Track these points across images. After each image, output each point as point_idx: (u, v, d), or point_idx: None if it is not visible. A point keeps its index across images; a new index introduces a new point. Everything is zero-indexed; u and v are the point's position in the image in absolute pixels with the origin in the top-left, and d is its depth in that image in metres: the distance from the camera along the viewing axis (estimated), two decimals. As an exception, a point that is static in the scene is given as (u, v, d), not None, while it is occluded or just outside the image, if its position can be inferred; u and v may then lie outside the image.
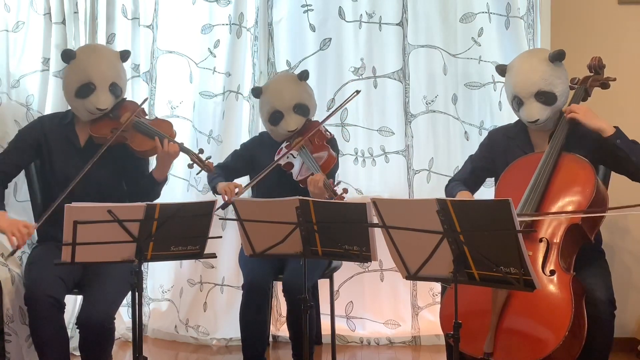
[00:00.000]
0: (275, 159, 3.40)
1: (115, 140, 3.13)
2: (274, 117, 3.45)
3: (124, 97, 3.32)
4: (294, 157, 3.38)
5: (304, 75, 3.55)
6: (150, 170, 3.31)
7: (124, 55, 3.34)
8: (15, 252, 2.98)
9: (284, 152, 3.40)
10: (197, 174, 3.27)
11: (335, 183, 3.21)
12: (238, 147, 3.71)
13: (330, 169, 3.35)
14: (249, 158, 3.59)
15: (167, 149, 3.15)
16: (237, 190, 3.30)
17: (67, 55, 3.25)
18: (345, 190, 3.16)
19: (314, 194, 3.20)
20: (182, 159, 3.89)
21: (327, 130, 3.55)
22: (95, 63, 3.21)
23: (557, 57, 3.03)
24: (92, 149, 3.17)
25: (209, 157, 3.22)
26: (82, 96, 3.17)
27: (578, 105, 2.99)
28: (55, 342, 2.97)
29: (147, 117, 3.35)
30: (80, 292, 3.13)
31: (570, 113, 2.95)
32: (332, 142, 3.52)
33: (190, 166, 3.23)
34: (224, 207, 3.21)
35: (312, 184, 3.20)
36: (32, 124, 3.38)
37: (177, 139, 3.26)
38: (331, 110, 3.64)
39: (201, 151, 3.23)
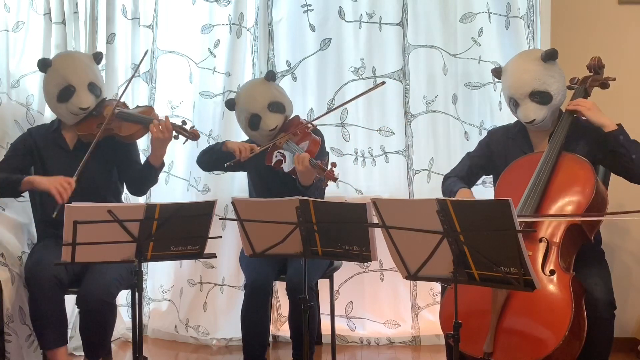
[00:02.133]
0: (268, 163, 3.41)
1: (103, 134, 3.21)
2: (253, 122, 3.46)
3: (104, 97, 3.40)
4: (282, 154, 3.39)
5: (271, 76, 3.56)
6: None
7: (97, 57, 3.45)
8: (62, 208, 2.99)
9: (271, 148, 3.41)
10: (184, 143, 3.33)
11: (324, 162, 3.19)
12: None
13: (315, 152, 3.33)
14: None
15: (161, 127, 3.19)
16: (252, 151, 3.36)
17: (44, 64, 3.35)
18: (333, 164, 3.14)
19: (302, 173, 3.20)
20: (181, 154, 3.92)
21: (309, 123, 3.52)
22: (72, 66, 3.32)
23: (550, 56, 3.03)
24: (81, 149, 3.25)
25: (193, 126, 3.26)
26: (63, 100, 3.28)
27: (584, 100, 2.99)
28: (54, 322, 3.01)
29: (129, 108, 3.42)
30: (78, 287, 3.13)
31: (575, 105, 2.96)
32: (315, 131, 3.50)
33: (175, 137, 3.26)
34: (232, 164, 3.32)
35: (299, 161, 3.19)
36: (21, 137, 3.44)
37: (187, 124, 3.32)
38: (332, 108, 3.74)
39: (184, 122, 3.27)
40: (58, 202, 3.02)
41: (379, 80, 3.94)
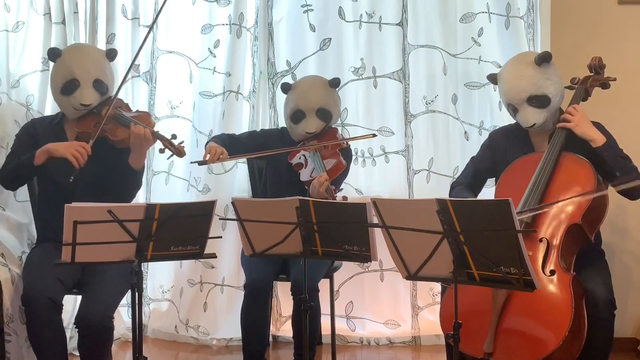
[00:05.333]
0: (290, 160, 3.43)
1: (100, 135, 3.15)
2: (296, 116, 3.48)
3: (111, 95, 3.32)
4: (306, 159, 3.40)
5: (335, 83, 3.57)
6: None
7: (110, 53, 3.37)
8: (78, 173, 3.05)
9: (296, 150, 3.43)
10: (168, 158, 3.28)
11: (338, 190, 3.22)
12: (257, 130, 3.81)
13: (337, 175, 3.35)
14: (262, 145, 3.57)
15: (137, 133, 3.12)
16: (222, 156, 3.33)
17: (53, 54, 3.30)
18: (344, 198, 3.16)
19: (314, 188, 3.20)
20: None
21: (345, 140, 3.55)
22: (79, 60, 3.25)
23: (543, 59, 3.03)
24: None
25: (182, 142, 3.20)
26: (66, 93, 3.22)
27: (573, 112, 2.96)
28: (52, 343, 2.97)
29: (131, 111, 3.35)
30: (79, 292, 3.13)
31: (562, 122, 2.96)
32: (345, 152, 3.51)
33: (161, 151, 3.20)
34: (199, 163, 3.32)
35: (319, 182, 3.20)
36: (25, 126, 3.42)
37: (177, 138, 3.26)
38: (363, 135, 3.74)
39: (174, 136, 3.20)
40: (75, 167, 3.02)
41: (379, 81, 3.96)
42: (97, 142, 3.14)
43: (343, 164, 3.40)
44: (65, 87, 3.22)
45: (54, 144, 3.12)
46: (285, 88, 3.59)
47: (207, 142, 3.50)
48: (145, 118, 3.29)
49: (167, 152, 3.19)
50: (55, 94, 3.28)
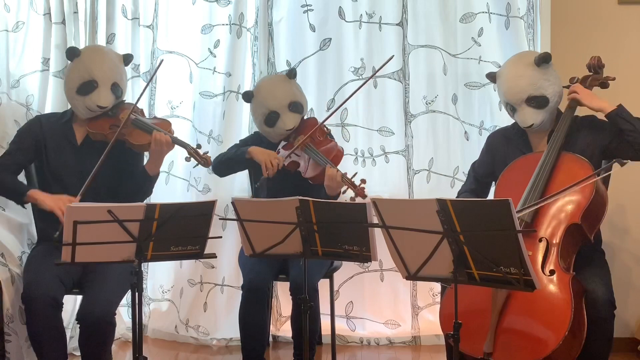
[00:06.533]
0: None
1: (118, 138, 3.16)
2: (270, 119, 3.46)
3: (124, 99, 3.36)
4: (297, 156, 3.38)
5: (293, 73, 3.57)
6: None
7: (127, 58, 3.41)
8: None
9: (287, 152, 3.40)
10: (194, 167, 3.29)
11: (352, 175, 3.22)
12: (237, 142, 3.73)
13: (340, 161, 3.36)
14: None
15: (159, 139, 3.16)
16: (278, 161, 3.32)
17: (72, 53, 3.31)
18: (363, 181, 3.18)
19: (330, 187, 3.21)
20: (181, 155, 3.88)
21: (324, 125, 3.53)
22: (100, 62, 3.27)
23: (543, 59, 3.04)
24: (88, 146, 3.23)
25: (207, 152, 3.23)
26: (83, 93, 3.23)
27: (580, 87, 3.01)
28: (52, 342, 2.98)
29: (146, 117, 3.39)
30: (80, 292, 3.13)
31: (571, 94, 2.99)
32: (331, 135, 3.52)
33: (187, 159, 3.22)
34: (260, 183, 3.34)
35: (330, 178, 3.21)
36: (29, 123, 3.41)
37: (202, 148, 3.29)
38: (342, 102, 3.64)
39: (199, 146, 3.23)
40: (62, 222, 2.92)
41: (379, 81, 3.96)
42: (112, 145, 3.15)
43: (341, 150, 3.42)
44: (83, 88, 3.23)
45: (43, 195, 3.11)
46: (249, 96, 3.56)
47: (238, 152, 3.47)
48: (167, 126, 3.32)
49: (193, 162, 3.21)
50: (69, 92, 3.28)
